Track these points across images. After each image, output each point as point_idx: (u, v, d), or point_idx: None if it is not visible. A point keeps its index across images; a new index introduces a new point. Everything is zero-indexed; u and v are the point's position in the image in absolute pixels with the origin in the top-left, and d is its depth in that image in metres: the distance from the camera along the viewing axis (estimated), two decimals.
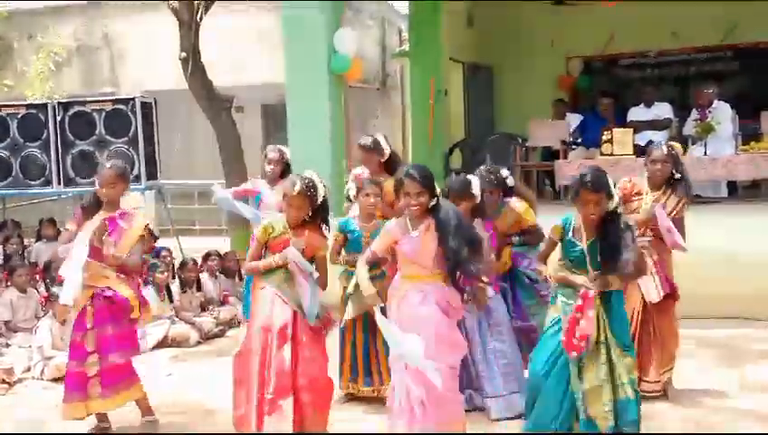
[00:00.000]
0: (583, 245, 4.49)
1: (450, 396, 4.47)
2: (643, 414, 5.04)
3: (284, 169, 6.51)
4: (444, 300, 4.43)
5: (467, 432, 4.68)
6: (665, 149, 5.50)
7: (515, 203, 5.75)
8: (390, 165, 5.95)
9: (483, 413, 5.42)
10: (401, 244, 4.47)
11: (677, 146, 5.72)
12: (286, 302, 4.73)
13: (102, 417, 5.45)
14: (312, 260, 4.78)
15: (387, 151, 6.04)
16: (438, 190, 4.47)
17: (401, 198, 4.44)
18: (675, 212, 5.48)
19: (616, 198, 4.44)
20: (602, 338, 4.45)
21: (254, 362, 4.72)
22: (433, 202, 4.40)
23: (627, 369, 4.47)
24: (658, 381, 5.61)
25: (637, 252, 4.52)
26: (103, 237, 5.13)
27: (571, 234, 4.56)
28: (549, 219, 4.92)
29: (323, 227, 4.85)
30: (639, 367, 5.18)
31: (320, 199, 4.74)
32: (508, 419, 5.33)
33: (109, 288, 5.18)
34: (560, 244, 4.63)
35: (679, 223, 5.52)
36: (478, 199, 5.28)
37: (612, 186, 4.45)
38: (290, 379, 4.68)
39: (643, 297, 5.50)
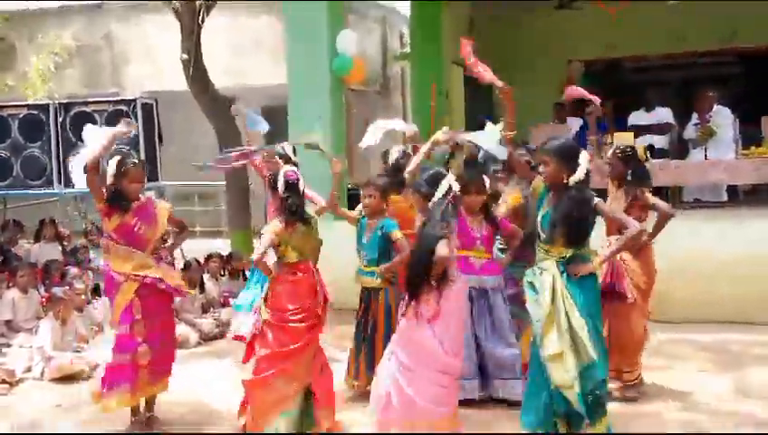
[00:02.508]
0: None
1: (411, 400, 4.47)
2: (639, 415, 5.06)
3: None
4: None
5: (466, 433, 4.71)
6: (609, 152, 5.83)
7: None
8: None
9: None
10: None
11: (640, 148, 6.05)
12: None
13: (136, 410, 5.50)
14: None
15: None
16: (441, 192, 4.56)
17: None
18: (625, 207, 5.59)
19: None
20: (561, 307, 4.49)
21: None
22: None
23: (586, 336, 4.47)
24: (629, 376, 5.70)
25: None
26: (142, 226, 5.28)
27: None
28: None
29: (283, 217, 4.97)
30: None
31: (279, 189, 5.00)
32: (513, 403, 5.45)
33: (161, 280, 5.29)
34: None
35: (639, 215, 5.59)
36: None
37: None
38: None
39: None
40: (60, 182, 9.69)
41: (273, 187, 5.06)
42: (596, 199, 4.60)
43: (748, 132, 10.17)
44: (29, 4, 15.47)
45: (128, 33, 15.63)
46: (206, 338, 7.96)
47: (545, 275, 4.55)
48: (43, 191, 10.08)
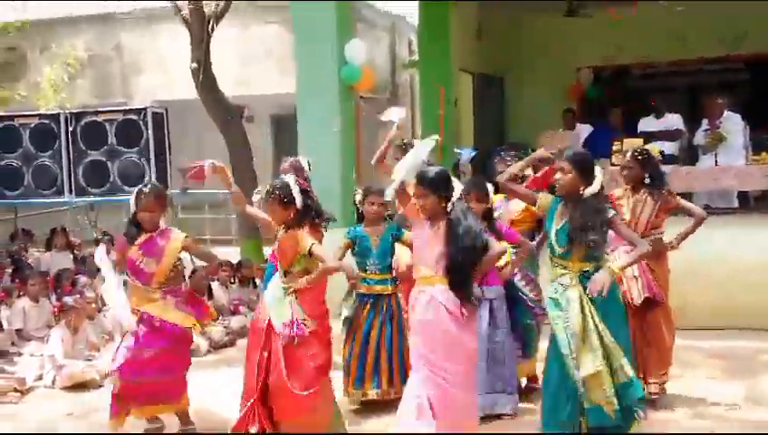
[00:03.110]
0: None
1: (462, 398, 4.44)
2: (650, 422, 5.04)
3: None
4: (451, 303, 4.37)
5: (474, 433, 4.69)
6: (628, 155, 5.72)
7: None
8: None
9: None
10: (414, 236, 4.58)
11: (655, 150, 5.94)
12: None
13: (152, 419, 5.50)
14: (299, 261, 4.77)
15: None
16: (456, 194, 4.46)
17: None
18: (654, 214, 5.55)
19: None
20: (592, 325, 4.48)
21: None
22: (449, 205, 4.40)
23: (620, 353, 4.49)
24: (657, 383, 5.66)
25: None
26: (143, 259, 5.22)
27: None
28: None
29: (307, 227, 4.83)
30: (640, 368, 5.44)
31: (297, 202, 4.78)
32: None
33: (154, 317, 5.20)
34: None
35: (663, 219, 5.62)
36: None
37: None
38: None
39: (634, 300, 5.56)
40: (71, 191, 9.77)
41: (285, 200, 4.78)
42: (612, 213, 4.59)
43: (758, 138, 10.13)
44: (40, 13, 15.54)
45: (138, 44, 15.70)
46: (216, 346, 7.97)
47: (570, 292, 4.51)
48: (53, 200, 10.16)
